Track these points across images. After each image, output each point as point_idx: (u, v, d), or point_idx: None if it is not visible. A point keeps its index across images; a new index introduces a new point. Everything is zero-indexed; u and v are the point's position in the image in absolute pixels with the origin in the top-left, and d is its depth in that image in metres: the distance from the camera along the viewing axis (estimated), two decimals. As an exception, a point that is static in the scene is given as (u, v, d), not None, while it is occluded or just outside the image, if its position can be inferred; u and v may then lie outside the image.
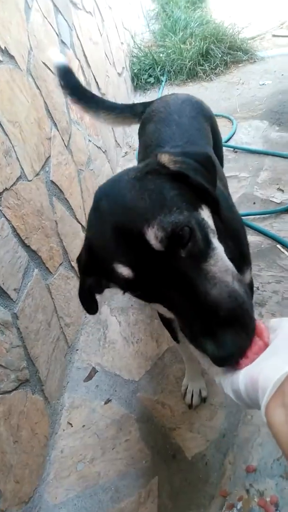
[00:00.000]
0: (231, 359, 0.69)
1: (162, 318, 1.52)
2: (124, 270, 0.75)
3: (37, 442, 1.59)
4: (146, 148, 1.57)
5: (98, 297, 1.02)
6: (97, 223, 0.84)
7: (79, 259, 0.94)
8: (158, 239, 0.72)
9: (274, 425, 0.60)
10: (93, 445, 1.66)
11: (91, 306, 1.02)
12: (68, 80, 1.84)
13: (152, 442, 1.61)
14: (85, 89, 1.93)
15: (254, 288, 2.02)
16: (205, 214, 0.84)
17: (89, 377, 1.91)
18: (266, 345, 0.70)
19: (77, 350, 2.04)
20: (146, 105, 1.87)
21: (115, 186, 0.83)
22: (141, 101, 2.04)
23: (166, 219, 0.73)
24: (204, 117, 1.68)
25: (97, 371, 1.93)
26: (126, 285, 0.79)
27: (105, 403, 1.79)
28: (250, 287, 1.35)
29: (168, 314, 0.85)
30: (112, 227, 0.77)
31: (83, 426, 1.73)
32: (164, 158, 0.85)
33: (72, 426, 1.74)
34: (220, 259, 0.79)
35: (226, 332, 0.69)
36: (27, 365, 1.58)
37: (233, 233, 1.09)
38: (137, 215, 0.74)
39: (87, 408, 1.79)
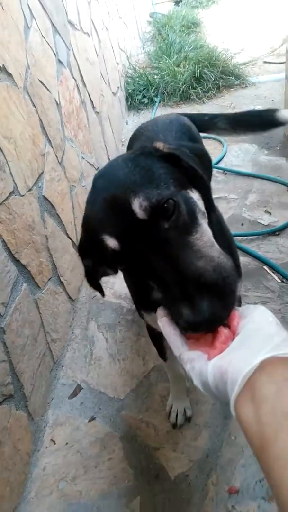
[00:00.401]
0: (206, 324, 0.70)
1: (151, 333, 1.53)
2: (111, 242, 0.78)
3: (19, 459, 1.57)
4: None
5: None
6: (91, 200, 0.87)
7: (79, 240, 0.96)
8: (142, 207, 0.75)
9: (243, 421, 0.59)
10: (76, 463, 1.64)
11: (97, 288, 1.04)
12: None
13: (135, 462, 1.60)
14: None
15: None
16: (194, 196, 0.86)
17: (74, 394, 1.90)
18: (233, 334, 0.70)
19: (62, 366, 2.03)
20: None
21: (110, 166, 0.88)
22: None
23: (152, 191, 0.77)
24: (189, 138, 1.72)
25: (82, 388, 1.92)
26: (113, 258, 0.81)
27: (89, 421, 1.78)
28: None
29: (154, 324, 0.85)
30: (103, 201, 0.81)
31: (66, 443, 1.71)
32: (159, 145, 0.90)
33: (55, 444, 1.72)
34: (206, 235, 0.81)
35: (203, 298, 0.70)
36: (12, 380, 1.57)
37: (225, 243, 1.11)
38: (126, 188, 0.78)
39: (71, 426, 1.78)
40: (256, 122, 2.01)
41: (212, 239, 0.82)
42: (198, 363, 0.69)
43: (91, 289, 1.03)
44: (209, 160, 1.00)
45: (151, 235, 0.76)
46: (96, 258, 0.92)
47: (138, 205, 0.75)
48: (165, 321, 0.78)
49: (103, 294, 1.06)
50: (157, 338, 1.54)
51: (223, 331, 0.70)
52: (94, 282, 1.01)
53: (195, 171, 0.88)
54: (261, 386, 0.58)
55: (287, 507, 0.50)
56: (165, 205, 0.76)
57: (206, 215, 0.87)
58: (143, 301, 1.23)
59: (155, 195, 0.76)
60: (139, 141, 1.70)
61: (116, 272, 0.95)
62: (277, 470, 0.52)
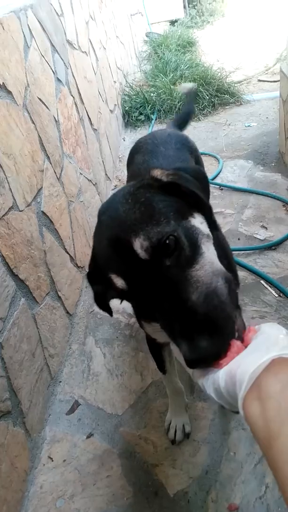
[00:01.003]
0: (203, 362, 0.72)
1: (151, 346, 1.54)
2: (118, 281, 0.80)
3: (17, 476, 1.54)
4: (136, 178, 1.63)
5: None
6: (98, 236, 0.90)
7: (88, 267, 0.99)
8: (143, 248, 0.76)
9: (250, 418, 0.60)
10: (74, 480, 1.62)
11: (107, 310, 1.06)
12: None
13: (134, 479, 1.58)
14: None
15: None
16: (197, 221, 0.86)
17: (71, 410, 1.88)
18: (246, 345, 0.71)
19: (60, 382, 2.02)
20: None
21: (112, 201, 0.89)
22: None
23: (152, 230, 0.77)
24: (189, 150, 1.78)
25: (80, 404, 1.90)
26: (121, 295, 0.85)
27: (87, 437, 1.76)
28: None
29: (158, 336, 0.86)
30: (108, 240, 0.83)
31: (64, 460, 1.69)
32: (157, 173, 0.90)
33: (52, 461, 1.70)
34: (207, 262, 0.80)
35: (200, 336, 0.70)
36: (10, 396, 1.55)
37: (223, 252, 1.12)
38: (127, 227, 0.79)
39: (69, 442, 1.76)
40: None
41: (214, 261, 0.82)
42: (211, 373, 0.71)
43: (99, 309, 1.06)
44: (205, 177, 1.02)
45: (153, 273, 0.77)
46: (105, 285, 0.92)
47: (139, 246, 0.76)
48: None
49: (111, 315, 1.08)
50: (157, 351, 1.54)
51: (236, 343, 0.72)
52: (104, 305, 1.03)
53: (197, 196, 0.88)
54: (267, 385, 0.60)
55: None
56: (167, 241, 0.77)
57: (210, 236, 0.88)
58: (144, 311, 1.23)
59: (155, 234, 0.76)
60: (140, 154, 1.73)
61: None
62: (282, 464, 0.54)
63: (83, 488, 1.59)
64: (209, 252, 0.83)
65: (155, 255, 0.76)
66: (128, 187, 0.89)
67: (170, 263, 0.77)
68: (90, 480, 1.61)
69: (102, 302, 1.02)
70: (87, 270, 0.99)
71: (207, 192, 0.99)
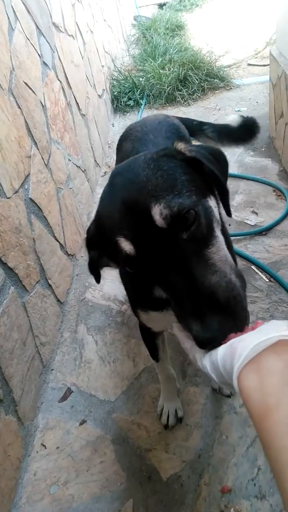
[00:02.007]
0: (213, 342, 0.70)
1: (144, 334, 1.53)
2: (126, 245, 0.77)
3: (10, 464, 1.54)
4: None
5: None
6: (108, 197, 0.86)
7: (87, 231, 0.96)
8: (162, 215, 0.74)
9: (245, 390, 0.59)
10: (67, 467, 1.63)
11: (96, 277, 1.04)
12: None
13: (127, 464, 1.59)
14: None
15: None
16: (212, 203, 0.85)
17: (64, 398, 1.88)
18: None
19: (52, 369, 2.01)
20: None
21: (130, 165, 0.85)
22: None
23: (174, 199, 0.75)
24: (179, 139, 1.73)
25: (73, 392, 1.90)
26: (126, 261, 0.80)
27: (80, 424, 1.77)
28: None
29: (153, 325, 0.84)
30: (121, 201, 0.79)
31: (57, 447, 1.70)
32: (181, 146, 0.88)
33: (46, 448, 1.70)
34: (221, 248, 0.80)
35: (214, 316, 0.70)
36: (1, 385, 1.55)
37: (227, 241, 1.13)
38: (146, 191, 0.76)
39: (62, 429, 1.76)
40: (241, 136, 2.14)
41: (227, 252, 0.81)
42: (211, 350, 0.70)
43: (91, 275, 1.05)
44: (226, 161, 0.99)
45: (168, 244, 0.75)
46: (103, 252, 0.92)
47: (158, 212, 0.74)
48: (179, 327, 0.80)
49: (99, 281, 1.05)
50: (150, 339, 1.53)
51: (247, 329, 0.71)
52: (96, 271, 1.02)
53: (217, 177, 0.87)
54: (268, 361, 0.59)
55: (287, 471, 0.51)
56: (186, 215, 0.75)
57: (220, 222, 0.86)
58: (140, 299, 1.22)
59: (176, 204, 0.74)
60: (129, 141, 1.70)
61: (118, 265, 0.95)
62: (279, 436, 0.54)
63: (76, 474, 1.60)
64: (221, 238, 0.83)
65: (173, 225, 0.74)
66: (150, 154, 0.86)
67: (186, 237, 0.75)
68: (83, 466, 1.62)
69: (96, 269, 1.01)
70: (86, 235, 0.96)
71: (225, 175, 0.97)
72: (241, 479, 1.46)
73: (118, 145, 1.91)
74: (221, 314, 0.71)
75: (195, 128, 2.06)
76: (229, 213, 0.98)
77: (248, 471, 1.48)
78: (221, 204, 0.93)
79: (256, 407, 0.58)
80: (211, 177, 0.87)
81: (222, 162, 0.96)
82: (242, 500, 1.40)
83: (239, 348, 0.62)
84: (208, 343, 0.71)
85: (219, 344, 0.70)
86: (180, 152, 0.87)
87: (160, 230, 0.74)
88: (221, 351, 0.66)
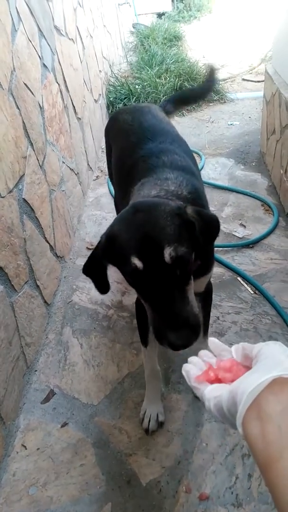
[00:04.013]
0: (183, 346, 1.07)
1: (139, 314, 1.65)
2: (138, 262, 1.06)
3: (-11, 464, 1.54)
4: (130, 135, 1.84)
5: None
6: (128, 225, 1.15)
7: (98, 246, 1.22)
8: (171, 255, 1.06)
9: (249, 437, 0.60)
10: (47, 469, 1.62)
11: (105, 287, 1.30)
12: None
13: (107, 468, 1.60)
14: None
15: (215, 318, 2.10)
16: (193, 255, 1.17)
17: (46, 399, 1.88)
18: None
19: (35, 371, 2.01)
20: None
21: (153, 209, 1.15)
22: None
23: (179, 247, 1.07)
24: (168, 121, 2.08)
25: (55, 393, 1.90)
26: (132, 273, 1.09)
27: (62, 426, 1.77)
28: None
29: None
30: (141, 233, 1.09)
31: (38, 449, 1.69)
32: (189, 210, 1.17)
33: (26, 449, 1.70)
34: (192, 288, 1.16)
35: (185, 330, 1.07)
36: (-15, 383, 1.54)
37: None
38: (163, 236, 1.08)
39: (43, 431, 1.76)
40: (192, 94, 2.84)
41: (193, 296, 1.16)
42: (217, 392, 0.72)
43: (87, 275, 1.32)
44: (217, 228, 1.25)
45: (166, 274, 1.07)
46: (110, 260, 1.19)
47: (168, 252, 1.05)
48: (190, 368, 0.84)
49: (106, 291, 1.31)
50: (143, 319, 1.60)
51: (236, 363, 0.78)
52: (105, 281, 1.28)
53: (200, 244, 1.16)
54: (267, 405, 0.60)
55: None
56: (183, 260, 1.08)
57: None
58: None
59: (180, 251, 1.07)
60: (124, 114, 2.04)
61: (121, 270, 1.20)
62: (281, 488, 0.55)
63: (56, 476, 1.60)
64: (192, 281, 1.16)
65: (174, 263, 1.06)
66: (168, 207, 1.15)
67: (179, 273, 1.08)
68: (63, 468, 1.62)
69: (105, 280, 1.27)
70: (98, 247, 1.21)
71: (212, 240, 1.30)
72: (219, 486, 1.48)
73: (109, 124, 2.21)
74: (188, 329, 1.07)
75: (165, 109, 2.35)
76: (206, 271, 1.49)
77: (226, 479, 1.50)
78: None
79: (260, 456, 0.59)
80: (198, 239, 1.16)
81: (212, 229, 1.24)
82: (219, 507, 1.43)
83: (239, 394, 0.64)
84: (180, 347, 1.08)
85: (185, 348, 1.08)
86: (186, 213, 1.15)
87: (165, 263, 1.06)
88: (225, 398, 0.68)
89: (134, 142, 1.75)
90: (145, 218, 1.13)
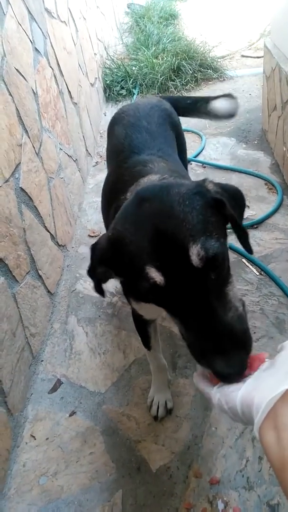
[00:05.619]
0: (237, 376, 0.76)
1: (137, 323, 1.55)
2: (156, 276, 0.78)
3: (-2, 456, 1.54)
4: (119, 154, 1.60)
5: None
6: (135, 222, 0.85)
7: (94, 246, 0.96)
8: (199, 256, 0.76)
9: (266, 446, 0.64)
10: (57, 458, 1.62)
11: (101, 292, 1.06)
12: None
13: (117, 455, 1.59)
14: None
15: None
16: (227, 244, 0.90)
17: (53, 389, 1.88)
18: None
19: (42, 361, 2.00)
20: None
21: (163, 194, 0.86)
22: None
23: (208, 241, 0.78)
24: (171, 125, 1.77)
25: (62, 383, 1.90)
26: (151, 290, 0.80)
27: (70, 415, 1.76)
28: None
29: (145, 313, 0.99)
30: (155, 231, 0.80)
31: (47, 439, 1.69)
32: (210, 186, 0.92)
33: (35, 439, 1.70)
34: (234, 285, 0.86)
35: (235, 352, 0.76)
36: (-10, 376, 1.53)
37: None
38: (184, 229, 0.78)
39: (51, 421, 1.75)
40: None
41: (236, 288, 0.87)
42: (229, 390, 0.74)
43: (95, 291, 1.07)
44: (244, 202, 1.03)
45: (199, 282, 0.78)
46: (112, 268, 0.93)
47: (196, 253, 0.76)
48: (200, 376, 0.85)
49: (104, 296, 1.08)
50: (143, 327, 1.55)
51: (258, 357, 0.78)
52: (101, 289, 1.05)
53: (236, 221, 0.93)
54: (283, 415, 0.63)
55: None
56: (217, 257, 0.78)
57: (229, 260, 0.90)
58: (135, 292, 1.24)
59: (211, 247, 0.77)
60: (121, 126, 1.70)
61: (124, 279, 0.98)
62: None
63: (66, 465, 1.60)
64: (231, 275, 0.88)
65: (206, 265, 0.77)
66: (183, 188, 0.87)
67: (214, 277, 0.79)
68: (73, 457, 1.62)
69: (101, 288, 1.04)
70: (95, 249, 0.95)
71: (242, 217, 1.02)
72: (229, 470, 1.47)
73: (109, 128, 1.94)
74: (239, 349, 0.77)
75: (189, 106, 2.09)
76: (250, 251, 1.05)
77: (236, 462, 1.49)
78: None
79: (275, 460, 0.62)
80: (229, 219, 0.91)
81: (241, 204, 1.01)
82: (230, 491, 1.42)
83: (256, 400, 0.66)
84: (233, 378, 0.76)
85: (239, 379, 0.75)
86: (209, 190, 0.90)
87: (193, 268, 0.77)
88: (239, 400, 0.70)
89: (121, 159, 1.57)
90: (155, 208, 0.83)
